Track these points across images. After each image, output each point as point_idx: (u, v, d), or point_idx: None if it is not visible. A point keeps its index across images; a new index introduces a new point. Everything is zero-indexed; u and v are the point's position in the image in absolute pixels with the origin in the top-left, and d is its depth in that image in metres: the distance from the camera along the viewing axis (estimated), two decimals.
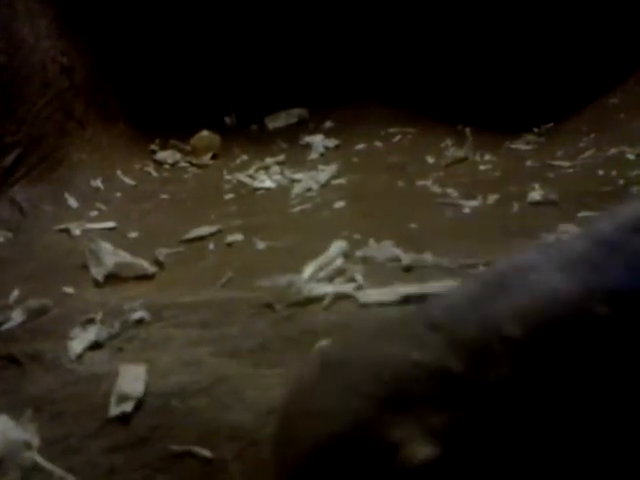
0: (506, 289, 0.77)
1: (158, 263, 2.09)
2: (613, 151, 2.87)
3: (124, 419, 1.33)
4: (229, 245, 2.22)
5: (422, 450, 0.68)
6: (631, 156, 2.76)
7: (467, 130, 3.29)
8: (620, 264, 0.75)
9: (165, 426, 1.32)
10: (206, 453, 1.24)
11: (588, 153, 2.94)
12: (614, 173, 2.59)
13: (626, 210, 0.85)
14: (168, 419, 1.33)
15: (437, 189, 2.68)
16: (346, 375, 0.79)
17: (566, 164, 2.85)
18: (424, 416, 0.70)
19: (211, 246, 2.24)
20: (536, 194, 2.40)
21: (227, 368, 1.47)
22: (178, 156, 3.54)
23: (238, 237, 2.24)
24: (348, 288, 1.68)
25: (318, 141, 3.54)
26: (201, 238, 2.31)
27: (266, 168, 3.24)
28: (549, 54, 3.80)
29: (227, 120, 3.99)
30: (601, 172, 2.64)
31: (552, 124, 3.62)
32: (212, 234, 2.32)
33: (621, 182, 2.49)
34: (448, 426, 0.70)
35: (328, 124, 3.78)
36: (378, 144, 3.46)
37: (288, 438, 0.83)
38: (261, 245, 2.15)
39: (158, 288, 1.90)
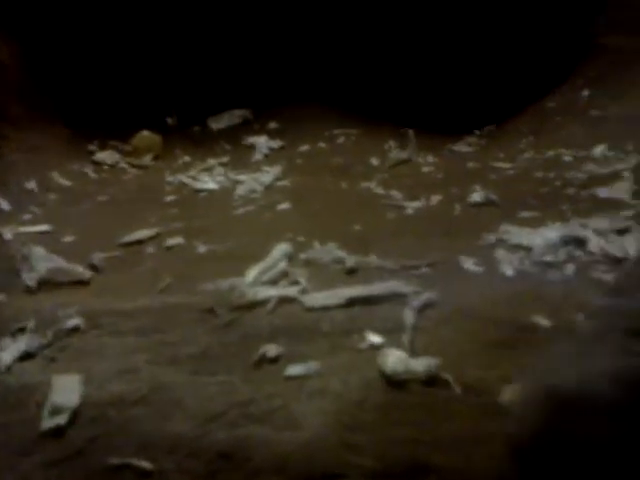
0: None
1: (94, 268, 2.01)
2: (551, 153, 2.94)
3: (58, 432, 1.27)
4: (169, 249, 2.16)
5: None
6: (568, 158, 2.83)
7: (410, 132, 3.31)
8: None
9: (102, 438, 1.26)
10: (146, 465, 1.20)
11: (527, 155, 3.00)
12: (552, 175, 2.65)
13: None
14: (105, 430, 1.28)
15: (381, 191, 2.69)
16: None
17: (506, 165, 2.90)
18: None
19: (150, 250, 2.18)
20: (477, 195, 2.43)
21: (166, 376, 1.42)
22: (117, 157, 3.43)
23: (178, 240, 2.18)
24: (292, 291, 1.66)
25: (262, 142, 3.50)
26: (140, 242, 2.24)
27: (209, 169, 3.18)
28: (490, 57, 3.87)
29: (169, 120, 3.90)
30: (540, 173, 2.69)
31: (493, 126, 3.68)
32: (151, 237, 2.26)
33: (559, 183, 2.55)
34: None
35: (272, 125, 3.74)
36: (322, 145, 3.45)
37: None
38: (202, 248, 2.10)
39: (94, 294, 1.83)
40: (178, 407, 1.33)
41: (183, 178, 3.05)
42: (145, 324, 1.61)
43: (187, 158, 3.40)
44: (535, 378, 0.90)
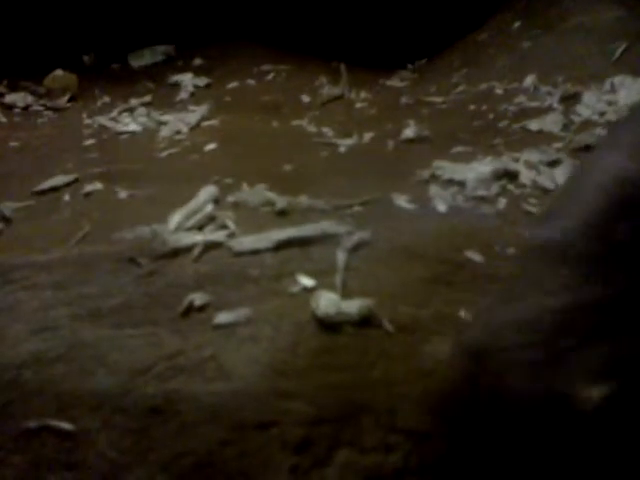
0: None
1: (5, 219, 1.87)
2: (483, 86, 2.91)
3: None
4: (87, 195, 2.02)
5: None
6: (499, 91, 2.81)
7: (342, 67, 3.21)
8: None
9: (18, 401, 1.19)
10: (67, 426, 1.13)
11: (460, 88, 2.97)
12: (484, 108, 2.63)
13: None
14: (21, 393, 1.20)
15: (312, 128, 2.61)
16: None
17: (439, 100, 2.86)
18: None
19: (66, 197, 2.03)
20: (410, 131, 2.39)
21: (86, 331, 1.34)
22: (30, 99, 3.18)
23: (97, 186, 2.05)
24: (219, 236, 1.58)
25: (187, 80, 3.32)
26: (55, 189, 2.09)
27: (130, 110, 2.99)
28: None
29: (85, 58, 3.65)
30: (472, 107, 2.67)
31: (425, 60, 3.62)
32: (68, 184, 2.11)
33: (491, 116, 2.54)
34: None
35: (197, 62, 3.55)
36: (251, 82, 3.31)
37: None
38: (123, 194, 1.98)
39: (5, 247, 1.70)
40: (101, 363, 1.27)
41: (102, 120, 2.86)
42: (62, 277, 1.51)
43: (106, 99, 3.20)
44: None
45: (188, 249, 1.54)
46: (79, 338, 1.33)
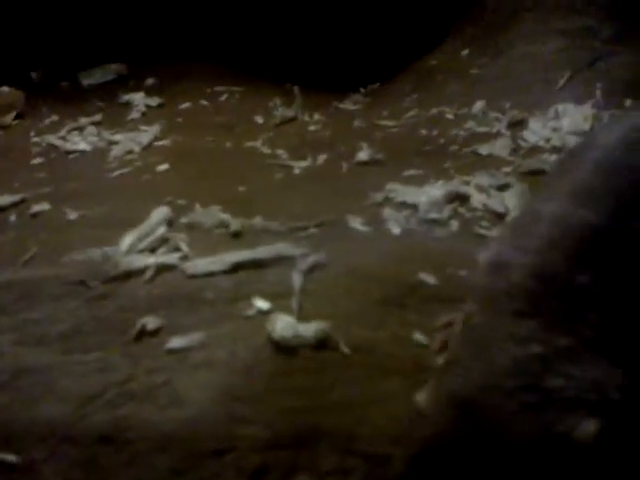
0: None
1: None
2: (434, 111, 2.97)
3: None
4: (34, 216, 1.97)
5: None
6: (450, 116, 2.88)
7: (296, 89, 3.23)
8: None
9: None
10: (11, 458, 1.09)
11: (411, 113, 3.02)
12: (435, 132, 2.69)
13: None
14: None
15: (266, 150, 2.60)
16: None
17: (391, 124, 2.90)
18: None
19: (12, 218, 1.97)
20: (363, 154, 2.41)
21: (33, 357, 1.29)
22: None
23: (45, 207, 1.99)
24: (172, 258, 1.55)
25: (139, 99, 3.28)
26: (1, 209, 2.02)
27: (80, 129, 2.93)
28: (371, 16, 3.84)
29: (33, 75, 3.56)
30: (424, 131, 2.72)
31: (378, 84, 3.67)
32: (14, 204, 2.04)
33: (442, 141, 2.59)
34: None
35: (150, 81, 3.51)
36: (204, 103, 3.29)
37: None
38: (72, 215, 1.92)
39: None
40: (49, 391, 1.23)
41: (51, 139, 2.80)
42: (7, 301, 1.46)
43: (55, 117, 3.12)
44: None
45: (140, 271, 1.51)
46: (25, 365, 1.28)
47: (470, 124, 2.73)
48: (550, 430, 0.75)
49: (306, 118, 3.10)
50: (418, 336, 1.29)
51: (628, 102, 2.69)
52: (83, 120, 3.04)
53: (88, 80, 3.56)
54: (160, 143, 2.73)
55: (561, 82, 2.94)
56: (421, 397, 0.92)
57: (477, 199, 1.93)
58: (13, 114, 3.11)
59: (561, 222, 0.90)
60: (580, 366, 0.79)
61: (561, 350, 0.81)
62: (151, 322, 1.35)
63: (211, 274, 1.50)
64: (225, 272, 1.51)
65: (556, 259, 0.86)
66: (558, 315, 0.83)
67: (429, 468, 0.94)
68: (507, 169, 2.19)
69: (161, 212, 1.75)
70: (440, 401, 0.88)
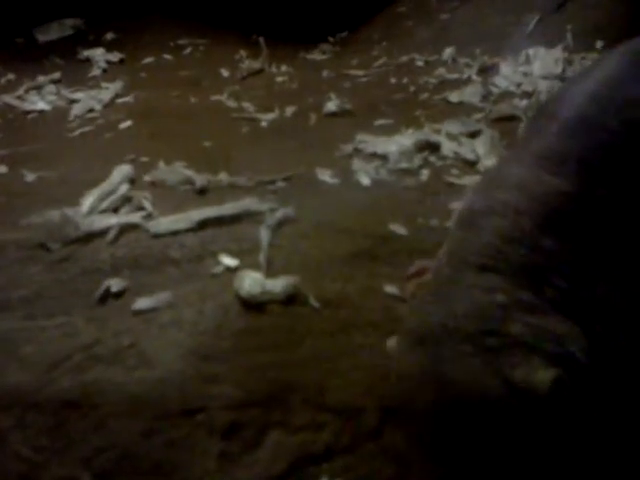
0: None
1: None
2: (404, 58, 2.91)
3: None
4: None
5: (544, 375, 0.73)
6: (420, 63, 2.82)
7: (261, 40, 3.13)
8: None
9: None
10: None
11: (381, 61, 2.96)
12: (405, 80, 2.63)
13: None
14: None
15: (232, 103, 2.53)
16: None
17: (360, 73, 2.84)
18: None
19: None
20: (332, 105, 2.36)
21: None
22: None
23: (2, 169, 1.92)
24: (136, 218, 1.50)
25: (99, 55, 3.16)
26: None
27: (38, 88, 2.82)
28: None
29: None
30: (393, 80, 2.67)
31: (346, 33, 3.59)
32: None
33: (412, 89, 2.54)
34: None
35: (110, 36, 3.38)
36: (168, 57, 3.18)
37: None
38: (30, 177, 1.85)
39: None
40: (13, 357, 1.19)
41: (8, 99, 2.69)
42: None
43: (11, 76, 3.00)
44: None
45: (102, 232, 1.46)
46: None
47: (440, 71, 2.68)
48: (505, 373, 0.75)
49: (273, 70, 3.02)
50: (389, 287, 1.28)
51: (599, 44, 2.66)
52: (41, 78, 2.93)
53: (44, 36, 3.42)
54: (122, 100, 2.64)
55: (531, 26, 2.88)
56: (391, 343, 0.91)
57: (447, 147, 1.90)
58: None
59: (527, 187, 0.88)
60: (542, 319, 0.79)
61: (524, 302, 0.81)
62: (115, 284, 1.31)
63: (176, 232, 1.46)
64: (191, 230, 1.47)
65: (523, 222, 0.85)
66: (524, 273, 0.83)
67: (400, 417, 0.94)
68: (478, 116, 2.16)
69: (123, 170, 1.69)
70: (401, 342, 0.88)
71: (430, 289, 0.90)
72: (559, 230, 0.85)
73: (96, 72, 3.04)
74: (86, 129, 2.31)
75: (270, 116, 2.35)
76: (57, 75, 2.97)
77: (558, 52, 2.63)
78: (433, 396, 0.80)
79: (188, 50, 3.28)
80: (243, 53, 3.21)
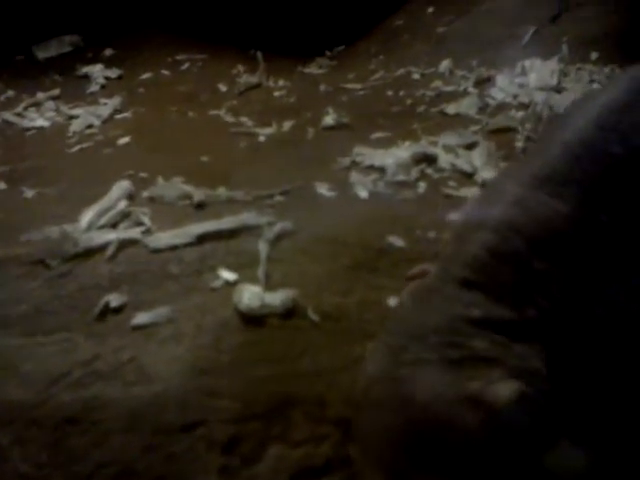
0: None
1: None
2: (401, 71, 2.93)
3: None
4: None
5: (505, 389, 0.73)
6: (417, 75, 2.84)
7: (259, 54, 3.15)
8: None
9: None
10: None
11: (378, 75, 2.98)
12: (402, 93, 2.65)
13: None
14: None
15: (230, 118, 2.55)
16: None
17: (357, 86, 2.86)
18: None
19: None
20: (330, 118, 2.37)
21: None
22: None
23: (1, 186, 1.93)
24: (135, 233, 1.51)
25: (97, 71, 3.18)
26: None
27: (37, 105, 2.84)
28: None
29: None
30: (390, 93, 2.68)
31: (343, 47, 3.61)
32: None
33: (409, 102, 2.56)
34: None
35: (107, 52, 3.41)
36: (165, 73, 3.20)
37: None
38: (30, 193, 1.86)
39: None
40: (13, 373, 1.19)
41: (7, 116, 2.71)
42: None
43: (10, 93, 3.02)
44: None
45: (101, 248, 1.46)
46: None
47: (437, 83, 2.69)
48: (462, 384, 0.75)
49: (270, 84, 3.04)
50: (388, 299, 1.28)
51: (594, 55, 2.68)
52: (40, 95, 2.95)
53: (43, 53, 3.44)
54: (121, 116, 2.66)
55: (526, 37, 2.91)
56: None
57: (444, 159, 1.91)
58: None
59: (525, 205, 0.88)
60: (513, 338, 0.79)
61: (498, 320, 0.81)
62: (115, 299, 1.31)
63: (175, 247, 1.46)
64: (189, 245, 1.47)
65: (515, 240, 0.85)
66: (506, 290, 0.83)
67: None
68: (474, 128, 2.17)
69: (122, 186, 1.70)
70: (371, 346, 0.88)
71: (413, 296, 0.90)
72: (553, 252, 0.85)
73: (95, 88, 3.06)
74: (85, 145, 2.32)
75: (268, 130, 2.36)
76: (56, 92, 2.99)
77: (554, 64, 2.65)
78: (385, 394, 0.80)
79: (186, 65, 3.30)
80: (241, 68, 3.23)
